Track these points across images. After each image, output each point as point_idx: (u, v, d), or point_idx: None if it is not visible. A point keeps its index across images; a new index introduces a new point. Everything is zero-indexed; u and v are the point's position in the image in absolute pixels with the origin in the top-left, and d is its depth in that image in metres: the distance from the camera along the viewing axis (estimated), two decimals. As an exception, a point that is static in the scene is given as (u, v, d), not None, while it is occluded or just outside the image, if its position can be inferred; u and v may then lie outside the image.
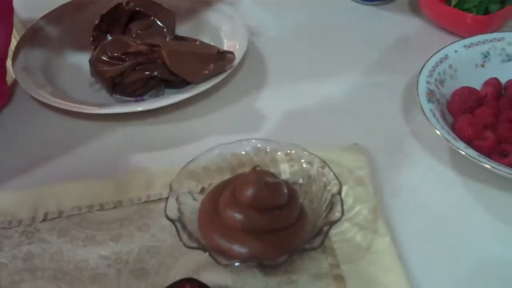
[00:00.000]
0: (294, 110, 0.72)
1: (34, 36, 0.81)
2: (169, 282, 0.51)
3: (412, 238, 0.57)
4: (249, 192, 0.53)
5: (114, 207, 0.61)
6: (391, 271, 0.53)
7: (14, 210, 0.61)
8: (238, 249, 0.52)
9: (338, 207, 0.54)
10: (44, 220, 0.60)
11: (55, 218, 0.60)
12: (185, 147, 0.68)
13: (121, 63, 0.72)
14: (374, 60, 0.80)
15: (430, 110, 0.63)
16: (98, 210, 0.61)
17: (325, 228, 0.52)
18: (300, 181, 0.59)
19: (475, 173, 0.62)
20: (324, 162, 0.58)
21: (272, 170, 0.59)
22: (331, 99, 0.74)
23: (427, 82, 0.66)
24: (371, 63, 0.79)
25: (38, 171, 0.67)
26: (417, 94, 0.64)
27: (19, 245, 0.58)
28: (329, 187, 0.56)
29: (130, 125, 0.71)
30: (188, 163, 0.59)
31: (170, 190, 0.56)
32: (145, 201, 0.61)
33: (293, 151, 0.60)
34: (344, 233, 0.57)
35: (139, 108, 0.70)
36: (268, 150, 0.61)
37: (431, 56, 0.69)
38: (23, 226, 0.60)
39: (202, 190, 0.59)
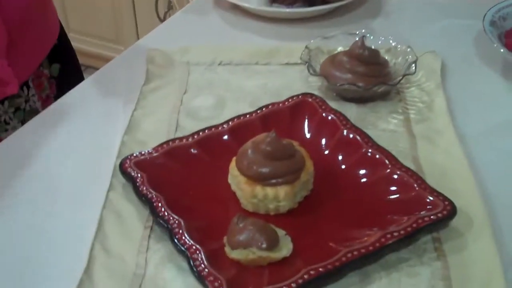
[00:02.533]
0: (393, 26, 1.02)
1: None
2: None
3: (465, 111, 0.83)
4: (357, 50, 0.83)
5: (266, 64, 0.93)
6: (442, 118, 0.81)
7: (200, 56, 0.94)
8: (345, 79, 0.82)
9: (413, 68, 0.83)
10: (219, 64, 0.93)
11: (227, 64, 0.93)
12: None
13: (281, -14, 1.05)
14: (464, 10, 1.08)
15: (491, 32, 0.90)
16: (255, 64, 0.93)
17: (402, 76, 0.82)
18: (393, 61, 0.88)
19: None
20: (408, 46, 0.87)
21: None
22: (423, 31, 1.03)
23: (493, 16, 0.93)
24: (461, 11, 1.08)
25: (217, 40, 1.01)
26: (483, 20, 0.91)
27: (201, 75, 0.91)
28: (409, 59, 0.85)
29: (283, 26, 1.03)
30: (316, 39, 0.90)
31: (306, 48, 0.87)
32: (286, 63, 0.93)
33: (389, 40, 0.89)
34: (415, 93, 0.85)
35: (287, 10, 1.03)
36: (372, 38, 0.90)
37: (501, 2, 0.96)
38: (205, 66, 0.92)
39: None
